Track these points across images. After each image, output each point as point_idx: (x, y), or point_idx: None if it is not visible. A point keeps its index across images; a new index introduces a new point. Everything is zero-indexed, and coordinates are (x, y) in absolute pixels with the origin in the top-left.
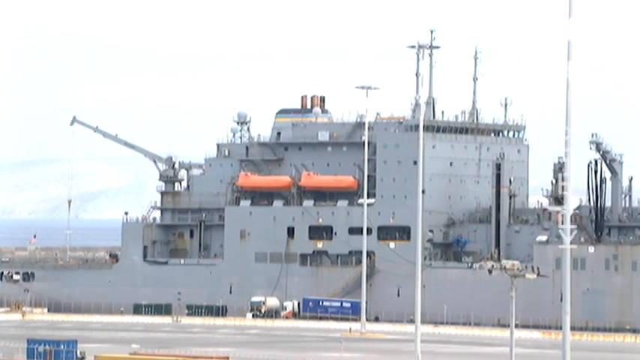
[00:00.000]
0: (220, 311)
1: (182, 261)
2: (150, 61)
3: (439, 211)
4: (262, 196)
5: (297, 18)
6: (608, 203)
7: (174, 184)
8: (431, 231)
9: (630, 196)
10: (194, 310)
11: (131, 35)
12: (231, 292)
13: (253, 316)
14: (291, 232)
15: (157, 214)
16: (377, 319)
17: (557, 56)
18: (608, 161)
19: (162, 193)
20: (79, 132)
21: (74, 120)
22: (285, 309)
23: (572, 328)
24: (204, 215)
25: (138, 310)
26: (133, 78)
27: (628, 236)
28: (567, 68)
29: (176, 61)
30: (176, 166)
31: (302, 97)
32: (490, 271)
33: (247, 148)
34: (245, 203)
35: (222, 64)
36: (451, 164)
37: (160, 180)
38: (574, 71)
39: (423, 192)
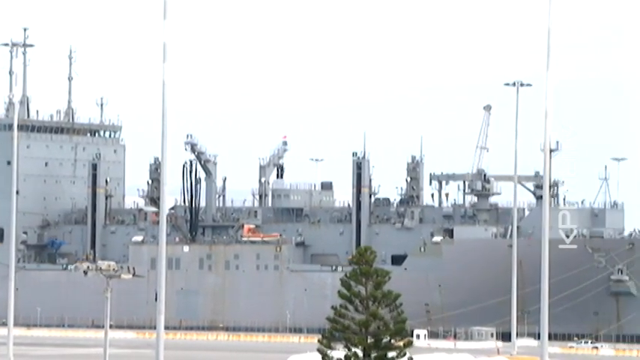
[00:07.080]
0: None
1: None
2: None
3: (34, 212)
4: None
5: None
6: (202, 203)
7: None
8: (25, 233)
9: (224, 196)
10: None
11: None
12: None
13: None
14: None
15: None
16: None
17: (154, 57)
18: (202, 162)
19: None
20: None
21: None
22: None
23: (167, 328)
24: None
25: None
26: None
27: (222, 236)
28: (163, 69)
29: None
30: None
31: None
32: (86, 273)
33: None
34: None
35: None
36: (46, 164)
37: None
38: (170, 72)
39: (17, 193)
